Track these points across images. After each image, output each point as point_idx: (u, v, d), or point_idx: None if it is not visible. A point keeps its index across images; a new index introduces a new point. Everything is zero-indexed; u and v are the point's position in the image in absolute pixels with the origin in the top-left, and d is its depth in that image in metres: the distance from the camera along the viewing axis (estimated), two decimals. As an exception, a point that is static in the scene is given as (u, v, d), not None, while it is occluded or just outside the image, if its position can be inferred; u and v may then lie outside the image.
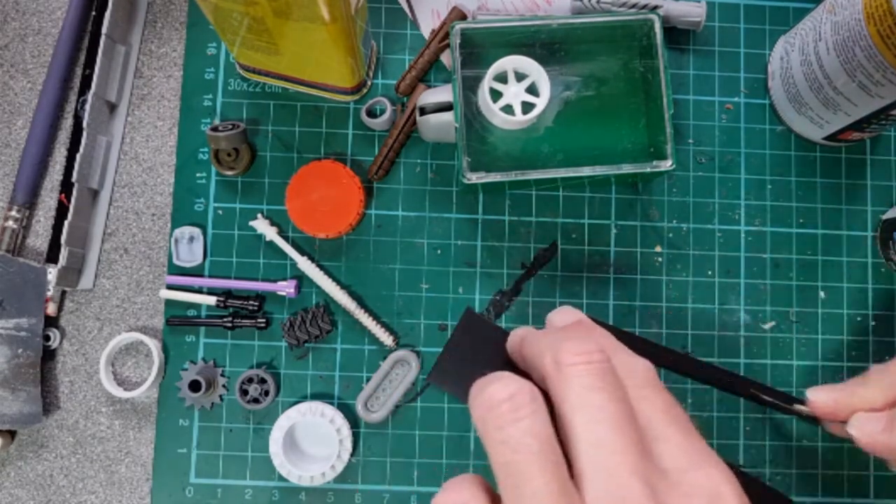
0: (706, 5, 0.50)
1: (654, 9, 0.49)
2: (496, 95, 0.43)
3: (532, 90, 0.43)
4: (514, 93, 0.43)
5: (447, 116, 0.45)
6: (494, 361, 0.44)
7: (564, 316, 0.29)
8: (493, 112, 0.42)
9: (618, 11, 0.48)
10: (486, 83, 0.42)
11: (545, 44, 0.45)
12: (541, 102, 0.42)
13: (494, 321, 0.49)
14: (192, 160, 0.50)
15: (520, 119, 0.42)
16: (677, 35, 0.51)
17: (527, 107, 0.43)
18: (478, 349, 0.45)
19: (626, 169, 0.44)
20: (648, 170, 0.44)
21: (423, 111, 0.46)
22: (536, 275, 0.49)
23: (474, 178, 0.43)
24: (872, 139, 0.51)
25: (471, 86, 0.44)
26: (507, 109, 0.43)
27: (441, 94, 0.46)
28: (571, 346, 0.23)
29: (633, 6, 0.49)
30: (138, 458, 0.48)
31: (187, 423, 0.48)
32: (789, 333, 0.50)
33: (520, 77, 0.43)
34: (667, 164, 0.43)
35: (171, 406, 0.48)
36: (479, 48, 0.45)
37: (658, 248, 0.49)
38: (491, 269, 0.49)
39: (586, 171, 0.43)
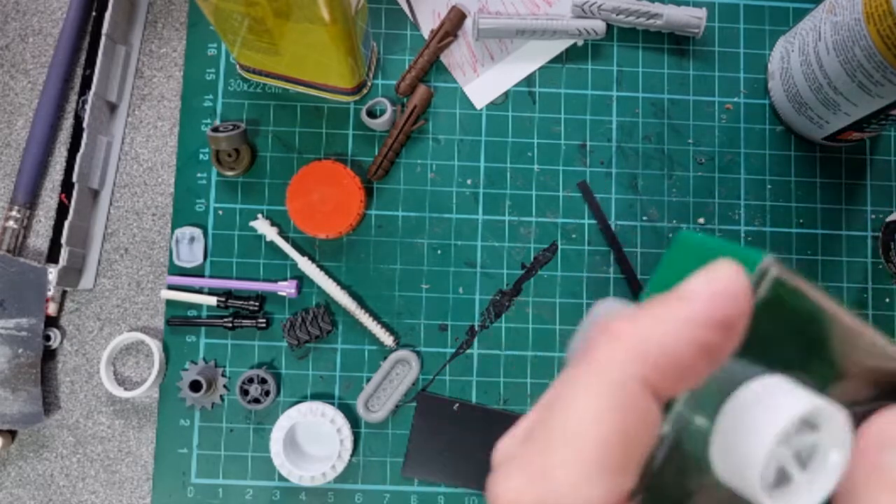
0: (706, 13, 0.50)
1: (655, 16, 0.49)
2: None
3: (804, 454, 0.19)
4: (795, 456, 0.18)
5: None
6: (462, 436, 0.45)
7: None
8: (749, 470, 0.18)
9: None
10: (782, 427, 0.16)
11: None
12: (822, 484, 0.17)
13: (494, 321, 0.49)
14: (192, 160, 0.50)
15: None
16: (677, 35, 0.51)
17: (782, 475, 0.18)
18: (441, 429, 0.45)
19: None
20: None
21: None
22: (536, 275, 0.50)
23: None
24: (872, 139, 0.51)
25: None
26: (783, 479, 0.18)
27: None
28: None
29: (634, 13, 0.49)
30: (139, 458, 0.48)
31: (188, 423, 0.48)
32: (789, 333, 0.50)
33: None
34: None
35: (172, 406, 0.48)
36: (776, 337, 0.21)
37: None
38: (491, 269, 0.49)
39: None
